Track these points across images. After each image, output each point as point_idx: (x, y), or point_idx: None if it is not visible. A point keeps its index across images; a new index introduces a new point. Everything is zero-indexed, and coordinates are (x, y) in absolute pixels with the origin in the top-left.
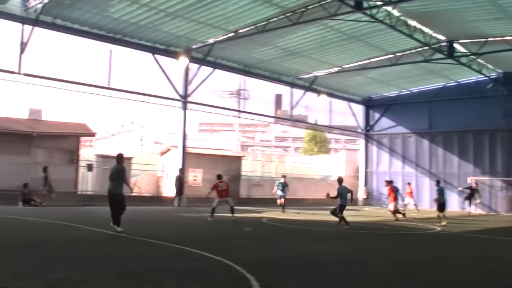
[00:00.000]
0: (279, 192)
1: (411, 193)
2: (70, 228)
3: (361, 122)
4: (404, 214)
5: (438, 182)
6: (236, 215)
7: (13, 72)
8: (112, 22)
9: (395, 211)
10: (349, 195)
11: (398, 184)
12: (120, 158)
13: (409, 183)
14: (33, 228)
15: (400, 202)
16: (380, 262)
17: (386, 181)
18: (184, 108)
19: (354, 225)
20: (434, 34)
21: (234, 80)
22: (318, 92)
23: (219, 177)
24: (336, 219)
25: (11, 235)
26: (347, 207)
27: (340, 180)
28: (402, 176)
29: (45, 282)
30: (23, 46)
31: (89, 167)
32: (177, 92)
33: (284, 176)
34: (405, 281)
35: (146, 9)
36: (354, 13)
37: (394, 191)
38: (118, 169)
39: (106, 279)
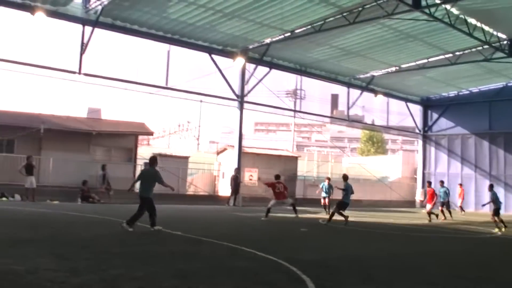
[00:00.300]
0: (323, 194)
1: (461, 194)
2: None
3: (419, 122)
4: (437, 216)
5: (491, 187)
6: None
7: (73, 72)
8: (170, 23)
9: (431, 213)
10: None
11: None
12: (153, 161)
13: (460, 184)
14: (91, 225)
15: (456, 206)
16: (435, 264)
17: (428, 182)
18: (241, 108)
19: (411, 227)
20: (495, 33)
21: (290, 79)
22: (375, 92)
23: (277, 177)
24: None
25: (69, 231)
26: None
27: (345, 177)
28: (461, 178)
29: (102, 278)
30: (83, 46)
31: (147, 166)
32: (234, 92)
33: (328, 178)
34: (460, 284)
35: (203, 9)
36: (412, 12)
37: (445, 193)
38: (150, 173)
39: (162, 277)
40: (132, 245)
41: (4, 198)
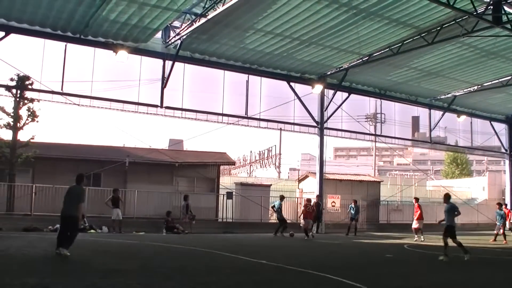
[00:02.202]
0: (352, 215)
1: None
2: (212, 255)
3: (505, 141)
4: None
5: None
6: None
7: (156, 106)
8: (247, 53)
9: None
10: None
11: None
12: (81, 178)
13: (505, 205)
14: (176, 255)
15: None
16: None
17: (415, 198)
18: (321, 134)
19: (501, 251)
20: None
21: (370, 103)
22: (458, 112)
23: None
24: None
25: (155, 261)
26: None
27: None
28: None
29: None
30: (164, 80)
31: (229, 195)
32: (313, 119)
33: (354, 201)
34: None
35: (280, 38)
36: (493, 28)
37: (499, 215)
38: (77, 191)
39: None
40: (218, 275)
41: (92, 230)
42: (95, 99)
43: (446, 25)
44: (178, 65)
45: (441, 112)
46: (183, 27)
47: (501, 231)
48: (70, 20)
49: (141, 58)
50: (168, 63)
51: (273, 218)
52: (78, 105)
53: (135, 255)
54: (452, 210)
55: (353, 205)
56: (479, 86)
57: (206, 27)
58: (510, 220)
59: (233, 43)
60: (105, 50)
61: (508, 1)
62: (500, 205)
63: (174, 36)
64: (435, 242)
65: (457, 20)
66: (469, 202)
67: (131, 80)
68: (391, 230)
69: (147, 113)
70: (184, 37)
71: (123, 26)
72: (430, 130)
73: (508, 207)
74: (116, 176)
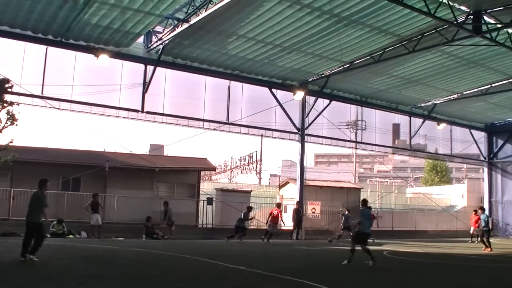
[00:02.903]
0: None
1: (476, 221)
2: (192, 261)
3: (484, 149)
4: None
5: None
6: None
7: (137, 111)
8: (229, 59)
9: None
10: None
11: None
12: (43, 183)
13: (475, 211)
14: (156, 261)
15: None
16: None
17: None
18: (302, 141)
19: (481, 258)
20: None
21: (351, 111)
22: (438, 120)
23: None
24: None
25: (135, 267)
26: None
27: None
28: None
29: None
30: (145, 85)
31: (209, 201)
32: (295, 125)
33: (348, 210)
34: None
35: (262, 44)
36: (473, 38)
37: (484, 221)
38: (37, 195)
39: None
40: (196, 281)
41: (71, 236)
42: (75, 103)
43: (427, 33)
44: (160, 70)
45: (421, 120)
46: (165, 32)
47: (485, 237)
48: (52, 23)
49: (123, 63)
50: (150, 68)
51: (253, 225)
52: (58, 109)
53: (114, 261)
54: (368, 216)
55: (346, 213)
56: (459, 95)
57: (188, 33)
58: (478, 226)
59: (216, 48)
60: (86, 54)
61: (488, 11)
62: (483, 210)
63: (156, 41)
64: (413, 249)
65: (438, 29)
66: (448, 209)
67: (112, 85)
68: (370, 237)
69: (128, 117)
70: (166, 42)
71: (105, 30)
72: (410, 138)
73: (479, 213)
74: (96, 181)
